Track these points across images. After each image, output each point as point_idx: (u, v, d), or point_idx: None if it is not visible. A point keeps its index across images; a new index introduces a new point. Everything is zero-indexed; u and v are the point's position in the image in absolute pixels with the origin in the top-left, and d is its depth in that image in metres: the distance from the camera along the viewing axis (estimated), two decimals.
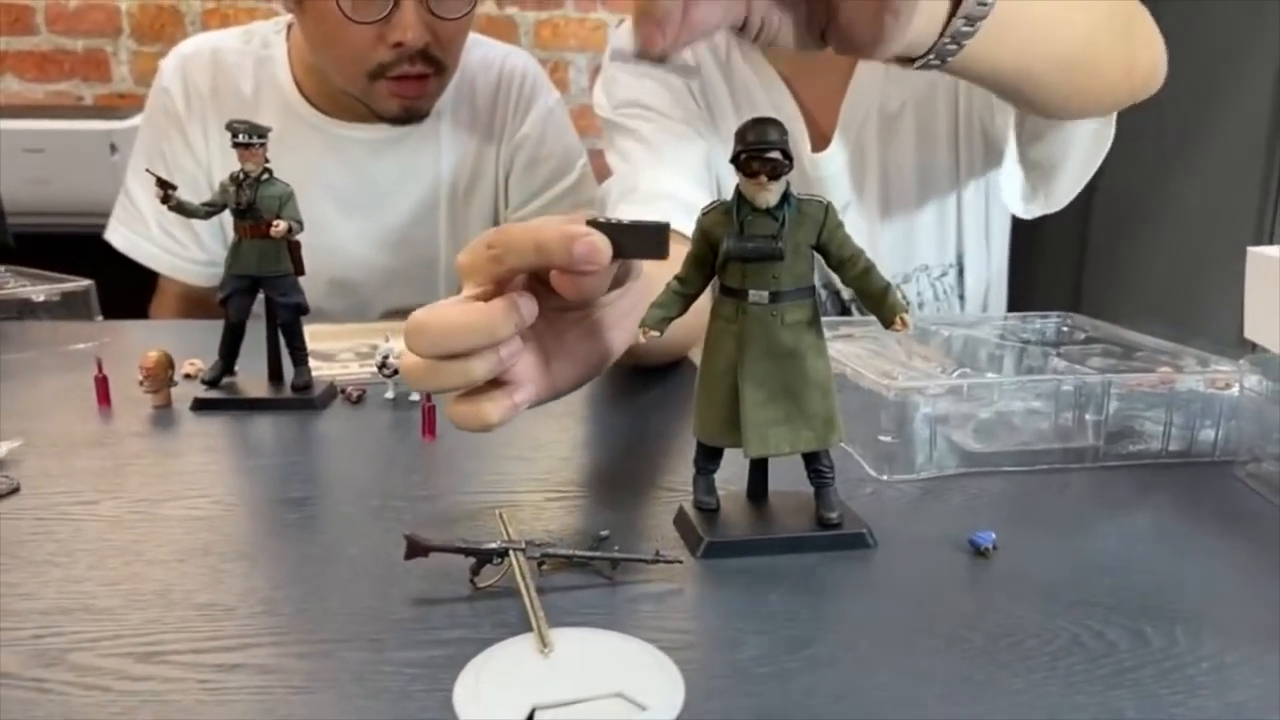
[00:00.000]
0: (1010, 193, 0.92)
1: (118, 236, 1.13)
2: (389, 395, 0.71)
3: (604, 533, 0.47)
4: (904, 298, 0.45)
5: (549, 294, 0.44)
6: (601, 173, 1.06)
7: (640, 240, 0.43)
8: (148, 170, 0.68)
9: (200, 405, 0.68)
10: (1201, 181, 0.91)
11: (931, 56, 0.55)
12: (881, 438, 0.57)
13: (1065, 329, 0.78)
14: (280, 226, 0.66)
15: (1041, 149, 0.84)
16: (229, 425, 0.65)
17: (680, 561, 0.44)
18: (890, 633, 0.39)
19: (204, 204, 0.68)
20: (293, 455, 0.60)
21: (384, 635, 0.39)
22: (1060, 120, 0.73)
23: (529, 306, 0.43)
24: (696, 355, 0.49)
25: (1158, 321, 0.88)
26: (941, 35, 0.53)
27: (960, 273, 1.03)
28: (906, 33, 0.51)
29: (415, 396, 0.71)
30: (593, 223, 0.43)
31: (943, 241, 1.01)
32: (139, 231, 1.13)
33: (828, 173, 0.96)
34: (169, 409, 0.69)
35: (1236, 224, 0.83)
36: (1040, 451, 0.59)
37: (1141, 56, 0.70)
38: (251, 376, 0.72)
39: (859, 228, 0.98)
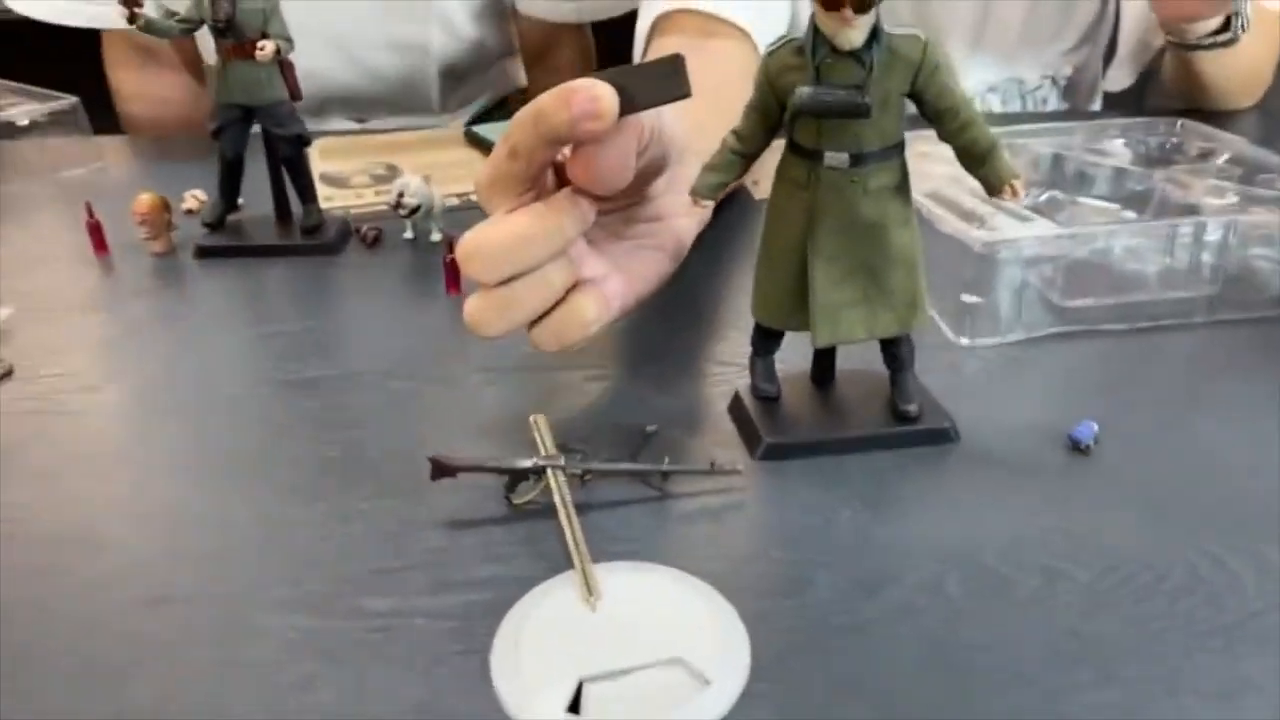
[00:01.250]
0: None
1: (25, 4, 0.91)
2: (408, 235, 0.65)
3: (651, 428, 0.42)
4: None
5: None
6: None
7: (653, 82, 0.35)
8: None
9: (204, 253, 0.63)
10: None
11: (1190, 46, 0.78)
12: (965, 298, 0.50)
13: (1174, 140, 0.67)
14: (268, 48, 0.57)
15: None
16: (236, 278, 0.60)
17: (739, 471, 0.39)
18: (979, 568, 0.34)
19: (177, 20, 0.59)
20: (306, 319, 0.54)
21: (411, 570, 0.35)
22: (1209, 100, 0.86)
23: (588, 201, 0.38)
24: (757, 210, 0.42)
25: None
26: (1201, 42, 0.77)
27: (1056, 86, 0.90)
28: (1202, 25, 0.75)
29: (436, 236, 0.64)
30: (594, 74, 0.35)
31: (1049, 46, 0.88)
32: None
33: None
34: (172, 255, 0.63)
35: None
36: (1143, 304, 0.52)
37: (1270, 75, 0.88)
38: (258, 214, 0.66)
39: (949, 19, 0.85)
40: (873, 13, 0.34)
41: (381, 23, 0.97)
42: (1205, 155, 0.64)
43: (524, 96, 1.17)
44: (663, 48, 0.75)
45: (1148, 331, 0.51)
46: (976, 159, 0.37)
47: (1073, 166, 0.66)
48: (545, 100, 0.36)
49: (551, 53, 1.06)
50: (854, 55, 0.35)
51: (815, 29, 0.35)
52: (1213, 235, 0.51)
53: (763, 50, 0.76)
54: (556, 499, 0.36)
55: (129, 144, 0.90)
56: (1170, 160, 0.67)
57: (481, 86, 1.09)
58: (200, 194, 0.71)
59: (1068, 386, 0.47)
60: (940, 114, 0.37)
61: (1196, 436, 0.42)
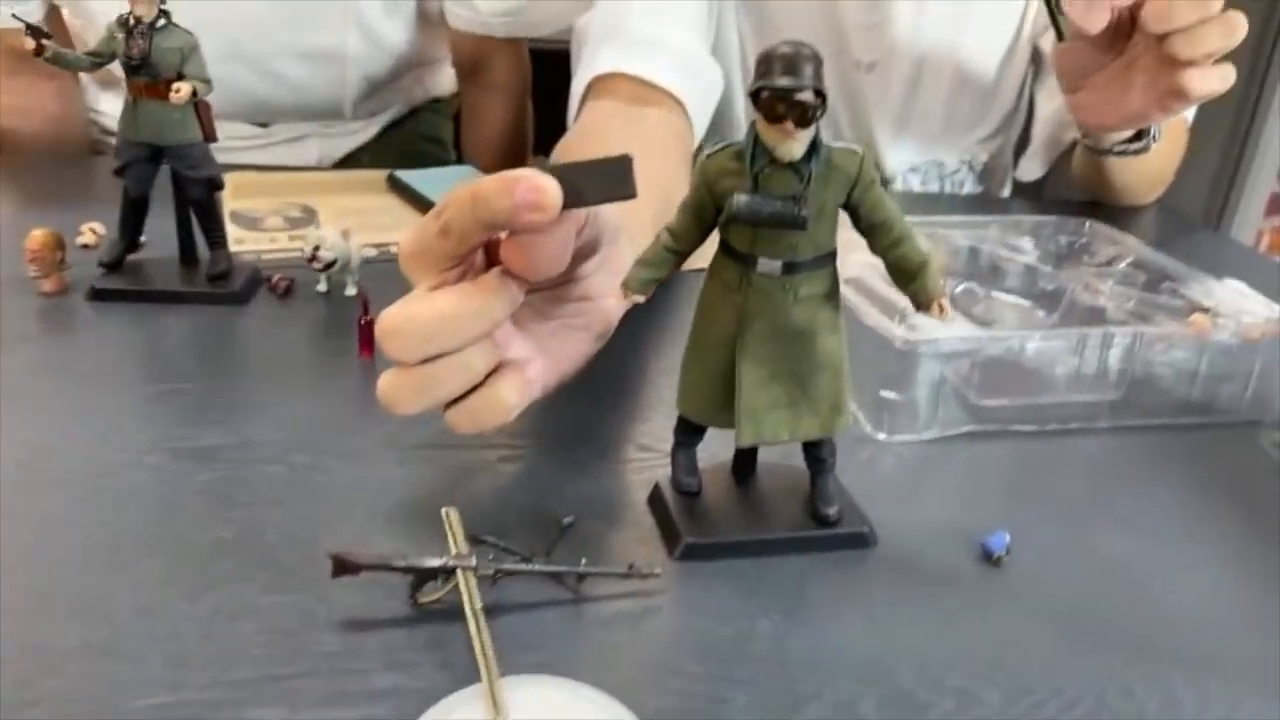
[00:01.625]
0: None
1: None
2: (321, 288, 0.62)
3: (568, 519, 0.40)
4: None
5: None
6: None
7: (599, 180, 0.35)
8: (14, 16, 0.54)
9: (98, 295, 0.59)
10: None
11: (1103, 151, 0.81)
12: (884, 394, 0.50)
13: (1083, 240, 0.70)
14: (183, 90, 0.54)
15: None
16: (132, 326, 0.56)
17: (657, 574, 0.38)
18: (895, 689, 0.34)
19: (88, 53, 0.56)
20: (206, 377, 0.51)
21: (305, 677, 0.32)
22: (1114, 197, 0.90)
23: (517, 284, 0.36)
24: (689, 303, 0.41)
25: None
26: (1114, 149, 0.80)
27: (972, 171, 0.94)
28: (1117, 134, 0.77)
29: (352, 290, 0.62)
30: (540, 167, 0.35)
31: (967, 133, 0.91)
32: None
33: (869, 21, 0.84)
34: (64, 296, 0.59)
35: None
36: (1052, 406, 0.54)
37: (1170, 175, 0.91)
38: (161, 256, 0.62)
39: (876, 99, 0.87)
40: (813, 126, 0.34)
41: (294, 32, 0.92)
42: (1111, 260, 0.67)
43: (445, 105, 1.15)
44: (597, 110, 0.75)
45: (1056, 434, 0.52)
46: (907, 274, 0.37)
47: (987, 260, 0.68)
48: (487, 185, 0.35)
49: (485, 69, 1.03)
50: (793, 166, 0.35)
51: (755, 138, 0.35)
52: (1120, 343, 0.53)
53: (695, 119, 0.77)
54: (466, 605, 0.34)
55: (19, 166, 0.84)
56: (1079, 259, 0.69)
57: (396, 93, 1.06)
58: (98, 227, 0.67)
59: (980, 489, 0.47)
60: (874, 228, 0.37)
61: (1104, 550, 0.43)
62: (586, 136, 0.71)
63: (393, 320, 0.36)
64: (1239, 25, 0.62)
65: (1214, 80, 0.64)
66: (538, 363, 0.41)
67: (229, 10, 0.86)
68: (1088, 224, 0.71)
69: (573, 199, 0.34)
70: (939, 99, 0.88)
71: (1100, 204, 0.89)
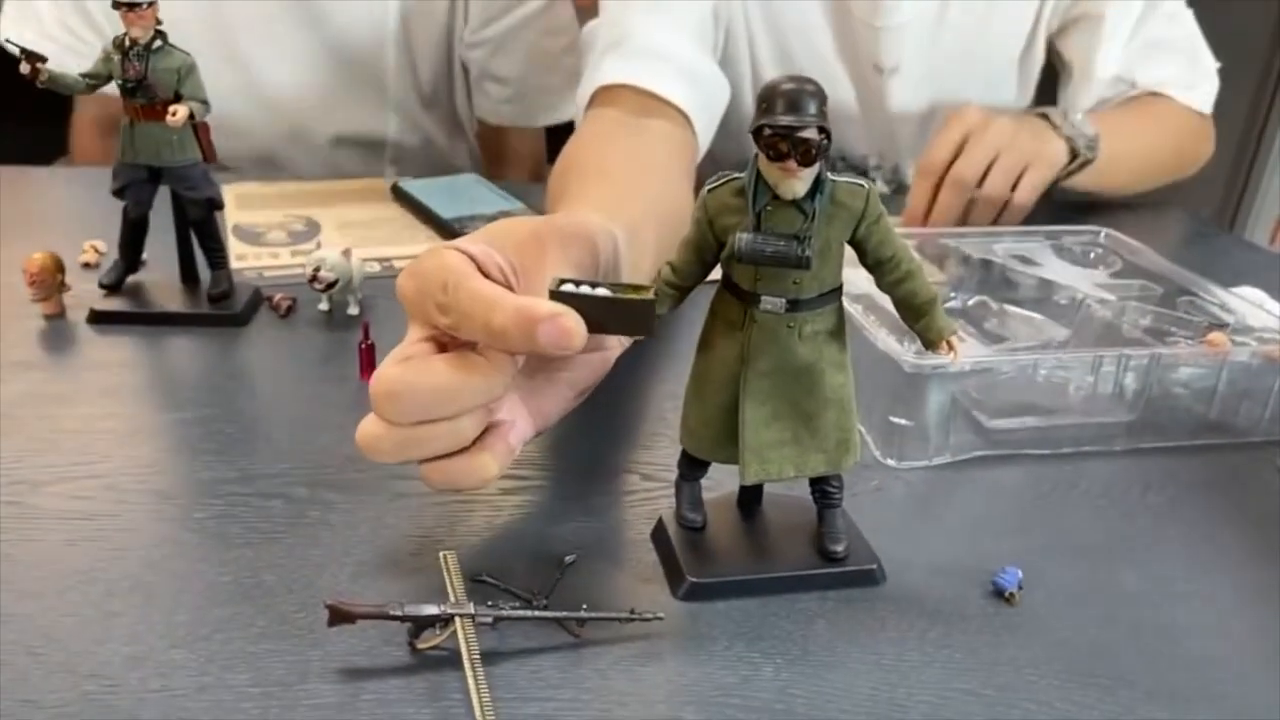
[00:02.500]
0: None
1: (12, 34, 0.86)
2: (323, 307, 0.62)
3: (569, 558, 0.40)
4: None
5: None
6: None
7: (621, 316, 0.35)
8: (8, 41, 0.54)
9: (98, 318, 0.58)
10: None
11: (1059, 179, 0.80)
12: (893, 419, 0.49)
13: (1098, 251, 0.69)
14: (180, 113, 0.54)
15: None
16: (132, 350, 0.56)
17: (661, 618, 0.37)
18: None
19: (83, 74, 0.55)
20: (205, 405, 0.51)
21: None
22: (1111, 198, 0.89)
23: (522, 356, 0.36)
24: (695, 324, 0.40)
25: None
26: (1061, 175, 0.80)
27: None
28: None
29: (354, 310, 0.61)
30: (560, 294, 0.34)
31: None
32: (34, 29, 0.90)
33: (889, 24, 0.83)
34: (62, 319, 0.59)
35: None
36: (1066, 428, 0.52)
37: (1185, 161, 0.91)
38: (162, 277, 0.62)
39: (897, 103, 0.86)
40: (817, 165, 0.33)
41: (340, 115, 0.97)
42: (1126, 272, 0.65)
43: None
44: (600, 119, 0.74)
45: (1070, 457, 0.51)
46: (915, 311, 0.36)
47: (1000, 271, 0.67)
48: (504, 321, 0.33)
49: (502, 147, 1.08)
50: (796, 204, 0.34)
51: (758, 175, 0.34)
52: (1136, 364, 0.52)
53: (699, 130, 0.76)
54: (464, 657, 0.34)
55: (25, 189, 0.84)
56: (1093, 271, 0.68)
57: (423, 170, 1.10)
58: (100, 245, 0.67)
59: (992, 519, 0.46)
60: (881, 263, 0.36)
61: (1120, 585, 0.42)
62: (589, 147, 0.70)
63: (391, 384, 0.35)
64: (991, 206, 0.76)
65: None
66: (520, 427, 0.39)
67: (285, 103, 0.95)
68: (1103, 233, 0.70)
69: (593, 328, 0.34)
70: (960, 101, 0.86)
71: (1114, 202, 0.87)
